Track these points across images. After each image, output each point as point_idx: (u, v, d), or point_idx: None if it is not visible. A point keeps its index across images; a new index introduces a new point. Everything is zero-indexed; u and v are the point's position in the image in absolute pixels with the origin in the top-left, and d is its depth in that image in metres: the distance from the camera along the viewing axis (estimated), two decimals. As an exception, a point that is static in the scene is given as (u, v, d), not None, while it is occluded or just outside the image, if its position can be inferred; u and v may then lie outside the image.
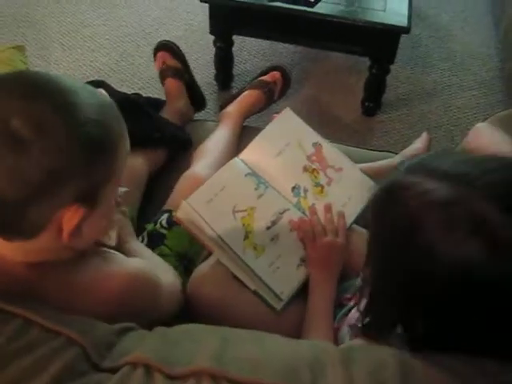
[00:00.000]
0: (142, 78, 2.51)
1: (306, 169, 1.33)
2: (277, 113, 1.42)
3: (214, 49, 2.34)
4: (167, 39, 2.02)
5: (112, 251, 0.95)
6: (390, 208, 0.73)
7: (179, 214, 1.20)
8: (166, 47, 1.96)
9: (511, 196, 0.65)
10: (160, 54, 1.96)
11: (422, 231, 0.67)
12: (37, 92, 0.72)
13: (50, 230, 0.76)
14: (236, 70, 2.50)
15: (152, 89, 2.46)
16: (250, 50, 2.65)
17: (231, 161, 1.31)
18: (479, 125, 1.29)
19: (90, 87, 0.79)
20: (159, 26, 2.79)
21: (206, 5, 2.17)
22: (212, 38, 2.31)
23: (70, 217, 0.75)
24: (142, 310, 0.93)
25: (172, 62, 1.93)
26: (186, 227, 1.21)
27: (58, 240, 0.77)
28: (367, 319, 0.82)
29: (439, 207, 0.66)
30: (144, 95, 1.85)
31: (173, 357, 0.68)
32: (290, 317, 1.17)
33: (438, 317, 0.69)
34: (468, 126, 2.36)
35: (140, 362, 0.68)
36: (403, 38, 2.14)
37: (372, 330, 0.81)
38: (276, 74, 1.85)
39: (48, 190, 0.71)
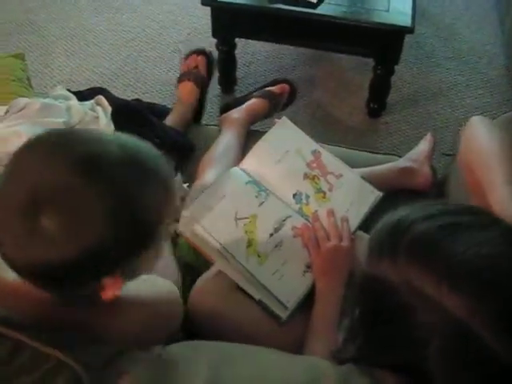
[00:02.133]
0: (146, 83, 2.51)
1: (306, 176, 1.32)
2: (279, 118, 1.41)
3: (216, 52, 2.33)
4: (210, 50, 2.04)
5: None
6: (382, 297, 0.67)
7: (180, 227, 1.19)
8: (208, 56, 1.98)
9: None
10: (199, 57, 1.95)
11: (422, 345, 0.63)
12: (79, 176, 0.67)
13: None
14: (239, 73, 2.49)
15: (156, 93, 2.45)
16: (252, 53, 2.64)
17: (231, 170, 1.30)
18: (474, 118, 1.26)
19: (133, 153, 0.73)
20: (162, 30, 2.79)
21: (209, 8, 2.16)
22: (215, 41, 2.30)
23: (113, 283, 0.74)
24: (167, 329, 0.93)
25: (203, 69, 1.94)
26: (186, 238, 1.19)
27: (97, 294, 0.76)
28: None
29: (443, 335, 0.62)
30: (147, 100, 1.85)
31: (167, 380, 0.67)
32: (293, 328, 1.15)
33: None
34: (475, 125, 2.33)
35: None
36: (407, 37, 2.12)
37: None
38: (285, 87, 1.87)
39: (83, 275, 0.70)
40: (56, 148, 0.69)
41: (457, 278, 0.61)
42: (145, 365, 0.69)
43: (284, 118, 1.38)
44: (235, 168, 1.30)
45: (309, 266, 1.22)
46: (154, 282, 0.93)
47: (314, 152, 1.35)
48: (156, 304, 0.91)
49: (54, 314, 0.77)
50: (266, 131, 1.40)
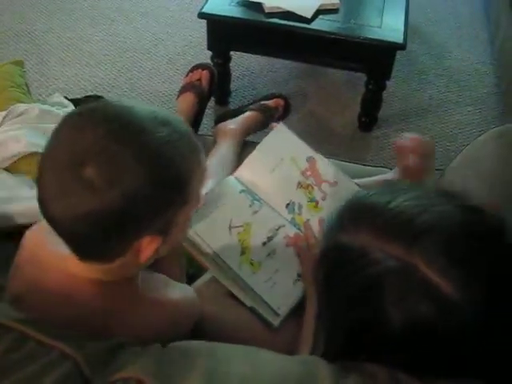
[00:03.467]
0: (141, 94, 2.53)
1: (300, 185, 1.32)
2: (277, 122, 1.43)
3: (211, 64, 2.36)
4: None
5: (163, 276, 0.99)
6: (342, 268, 0.74)
7: None
8: (212, 71, 2.02)
9: (449, 254, 0.67)
10: (204, 72, 1.99)
11: (377, 294, 0.68)
12: (116, 134, 0.73)
13: (129, 254, 0.79)
14: (233, 86, 2.52)
15: (150, 104, 2.47)
16: (247, 66, 2.68)
17: (225, 179, 1.32)
18: None
19: (163, 116, 0.79)
20: (158, 41, 2.82)
21: (204, 21, 2.20)
22: (210, 53, 2.33)
23: (149, 243, 0.78)
24: (185, 330, 0.99)
25: (206, 84, 1.98)
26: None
27: (134, 260, 0.80)
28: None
29: (392, 277, 0.68)
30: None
31: (166, 374, 0.68)
32: (286, 333, 1.16)
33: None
34: (464, 141, 2.37)
35: (133, 378, 0.68)
36: (399, 54, 2.16)
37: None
38: (280, 102, 1.92)
39: (125, 228, 0.75)
40: (90, 116, 0.75)
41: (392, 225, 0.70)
42: (144, 358, 0.71)
43: (281, 124, 1.38)
44: (230, 177, 1.32)
45: (300, 275, 1.24)
46: (176, 285, 1.00)
47: (309, 159, 1.34)
48: (179, 304, 0.96)
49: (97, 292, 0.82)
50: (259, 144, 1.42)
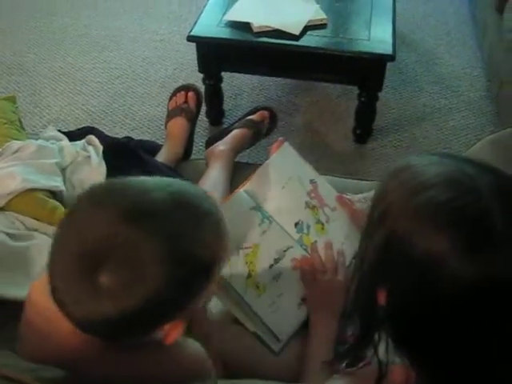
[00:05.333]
0: (135, 119, 2.54)
1: (307, 205, 1.31)
2: (275, 141, 1.41)
3: (203, 86, 2.37)
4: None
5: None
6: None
7: None
8: (197, 92, 2.00)
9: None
10: (189, 93, 1.97)
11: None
12: (140, 227, 0.69)
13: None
14: (226, 105, 2.53)
15: (144, 129, 2.48)
16: (239, 85, 2.68)
17: (236, 193, 1.28)
18: None
19: (183, 199, 0.75)
20: (148, 66, 2.83)
21: (194, 44, 2.20)
22: (201, 75, 2.33)
23: (174, 328, 0.76)
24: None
25: (193, 105, 1.95)
26: None
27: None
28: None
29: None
30: (137, 136, 1.87)
31: None
32: (289, 356, 1.16)
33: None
34: (460, 147, 2.38)
35: None
36: (390, 64, 2.17)
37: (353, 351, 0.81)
38: (264, 113, 1.90)
39: (147, 324, 0.73)
40: (103, 202, 0.71)
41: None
42: None
43: (286, 143, 1.36)
44: (241, 191, 1.28)
45: (304, 299, 1.23)
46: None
47: (312, 181, 1.34)
48: (192, 362, 0.91)
49: (104, 356, 0.79)
50: (253, 163, 1.41)
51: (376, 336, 0.79)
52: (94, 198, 0.73)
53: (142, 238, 0.68)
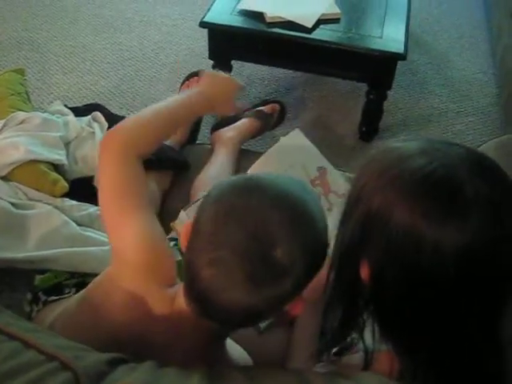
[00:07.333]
0: (142, 102, 2.53)
1: None
2: (284, 135, 1.41)
3: (213, 73, 2.36)
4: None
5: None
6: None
7: (176, 225, 1.21)
8: None
9: None
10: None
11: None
12: (296, 220, 0.75)
13: None
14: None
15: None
16: (248, 75, 2.68)
17: None
18: None
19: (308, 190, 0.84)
20: (159, 50, 2.83)
21: (206, 30, 2.20)
22: (211, 62, 2.33)
23: (296, 305, 0.80)
24: None
25: None
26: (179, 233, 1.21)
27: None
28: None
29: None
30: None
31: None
32: (273, 338, 1.16)
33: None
34: (465, 151, 2.37)
35: None
36: (401, 63, 2.16)
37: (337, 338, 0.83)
38: (275, 106, 1.92)
39: (286, 299, 0.77)
40: (255, 191, 0.76)
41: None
42: (140, 373, 0.71)
43: (297, 130, 1.37)
44: None
45: None
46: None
47: (320, 168, 1.34)
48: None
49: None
50: (258, 151, 1.41)
51: (361, 320, 0.80)
52: (242, 194, 0.77)
53: (301, 228, 0.76)
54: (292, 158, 1.33)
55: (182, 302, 0.81)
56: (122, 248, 0.90)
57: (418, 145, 0.74)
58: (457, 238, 0.66)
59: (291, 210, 0.75)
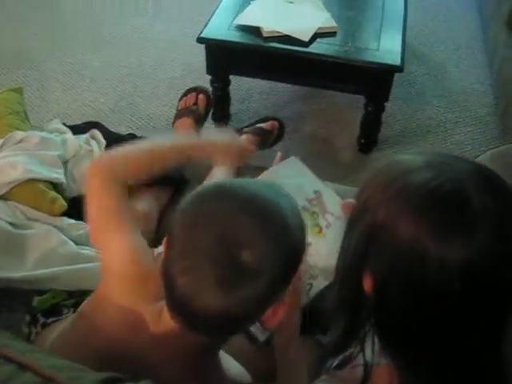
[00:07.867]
0: (141, 118, 2.54)
1: (304, 209, 1.30)
2: (282, 151, 1.42)
3: (211, 88, 2.37)
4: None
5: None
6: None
7: None
8: (207, 94, 2.03)
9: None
10: (200, 96, 2.00)
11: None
12: (267, 223, 0.77)
13: None
14: (233, 109, 2.53)
15: (150, 128, 2.49)
16: (247, 90, 2.69)
17: None
18: None
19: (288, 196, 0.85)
20: (157, 66, 2.84)
21: (203, 45, 2.21)
22: (209, 77, 2.34)
23: (277, 309, 0.81)
24: None
25: (202, 107, 1.98)
26: None
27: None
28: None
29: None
30: (141, 135, 1.88)
31: None
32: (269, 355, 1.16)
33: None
34: (464, 162, 2.37)
35: None
36: (398, 75, 2.17)
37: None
38: (274, 124, 1.93)
39: (264, 302, 0.78)
40: (223, 197, 0.79)
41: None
42: None
43: (292, 157, 1.37)
44: None
45: None
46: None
47: (316, 192, 1.34)
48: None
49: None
50: (258, 165, 1.41)
51: (362, 332, 0.79)
52: (212, 198, 0.79)
53: (263, 224, 0.77)
54: (288, 180, 1.33)
55: (167, 316, 0.83)
56: (109, 262, 0.94)
57: (424, 158, 0.74)
58: (463, 253, 0.65)
59: (261, 213, 0.76)
